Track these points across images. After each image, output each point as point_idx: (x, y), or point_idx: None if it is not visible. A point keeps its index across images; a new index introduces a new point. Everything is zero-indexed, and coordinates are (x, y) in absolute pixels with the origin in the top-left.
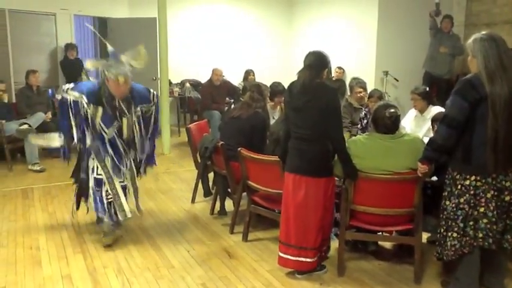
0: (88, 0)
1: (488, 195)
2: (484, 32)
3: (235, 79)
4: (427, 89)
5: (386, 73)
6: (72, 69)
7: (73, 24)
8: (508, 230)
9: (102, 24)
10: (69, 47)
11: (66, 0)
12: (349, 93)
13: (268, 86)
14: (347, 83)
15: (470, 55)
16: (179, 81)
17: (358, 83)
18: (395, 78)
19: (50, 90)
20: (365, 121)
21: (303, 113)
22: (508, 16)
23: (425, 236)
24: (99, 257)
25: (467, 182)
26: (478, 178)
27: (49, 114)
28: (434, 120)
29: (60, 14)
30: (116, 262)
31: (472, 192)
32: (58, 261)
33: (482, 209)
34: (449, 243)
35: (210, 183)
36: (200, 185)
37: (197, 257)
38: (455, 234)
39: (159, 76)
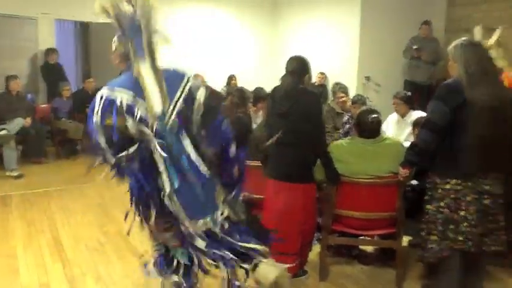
0: (70, 4)
1: (469, 199)
2: (464, 38)
3: (218, 84)
4: (409, 93)
5: (368, 78)
6: (52, 74)
7: (54, 29)
8: (488, 233)
9: (85, 29)
10: (50, 51)
11: (47, 5)
12: (331, 98)
13: (252, 91)
14: (329, 88)
15: (451, 60)
16: None
17: (341, 88)
18: (377, 84)
19: (29, 95)
20: (347, 126)
21: (286, 119)
22: (488, 22)
23: (407, 239)
24: (78, 265)
25: (448, 186)
26: (459, 182)
27: (28, 120)
28: (415, 124)
29: (41, 18)
30: (95, 269)
31: (452, 195)
32: (36, 269)
33: (462, 213)
34: (430, 247)
35: None
36: None
37: None
38: (435, 238)
39: None
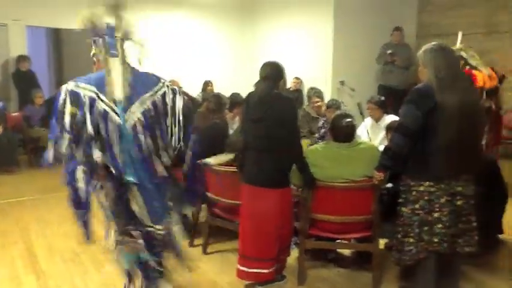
0: (41, 11)
1: (442, 201)
2: (434, 43)
3: (194, 90)
4: (383, 98)
5: (342, 83)
6: (24, 82)
7: (26, 35)
8: (461, 234)
9: (56, 36)
10: (21, 58)
11: (18, 11)
12: (306, 103)
13: (228, 96)
14: (305, 93)
15: (421, 65)
16: None
17: (315, 93)
18: (351, 88)
19: (0, 103)
20: (323, 130)
21: (261, 124)
22: (457, 27)
23: (383, 242)
24: (53, 276)
25: (422, 188)
26: (432, 184)
27: (0, 128)
28: (388, 128)
29: (12, 24)
30: (71, 280)
31: (426, 197)
32: (9, 282)
33: (436, 214)
34: (406, 249)
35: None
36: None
37: None
38: (411, 240)
39: None
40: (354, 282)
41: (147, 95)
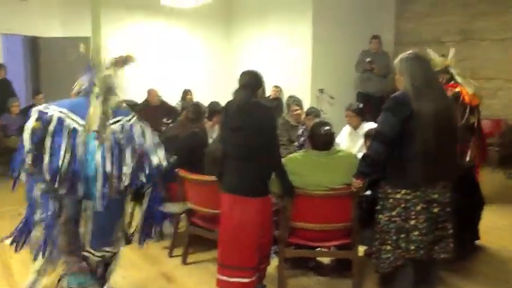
0: (18, 18)
1: (418, 208)
2: (409, 52)
3: (174, 99)
4: (361, 105)
5: (321, 91)
6: (0, 90)
7: (1, 44)
8: (437, 240)
9: (33, 44)
10: None
11: None
12: (286, 111)
13: (207, 105)
14: (284, 101)
15: (398, 73)
16: None
17: (295, 101)
18: (330, 96)
19: None
20: (302, 138)
21: (239, 133)
22: (434, 35)
23: (362, 249)
24: None
25: (399, 196)
26: (409, 191)
27: None
28: (366, 136)
29: None
30: None
31: (403, 205)
32: None
33: (413, 222)
34: (383, 256)
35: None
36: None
37: (133, 283)
38: (388, 247)
39: None
40: None
41: (117, 122)
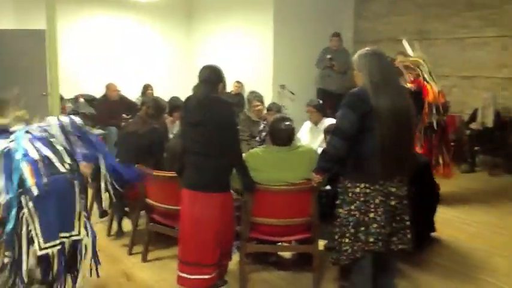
0: None
1: (377, 201)
2: (367, 48)
3: (134, 94)
4: (321, 101)
5: (283, 87)
6: None
7: None
8: (395, 232)
9: None
10: None
11: None
12: (247, 107)
13: (167, 100)
14: (245, 96)
15: (356, 69)
16: (72, 97)
17: (256, 96)
18: (291, 92)
19: None
20: (263, 134)
21: (199, 128)
22: (391, 33)
23: (323, 243)
24: None
25: (358, 190)
26: (368, 185)
27: None
28: (326, 131)
29: None
30: None
31: (362, 198)
32: None
33: (372, 215)
34: (343, 249)
35: (106, 203)
36: (95, 206)
37: (92, 281)
38: (347, 240)
39: (49, 91)
40: (295, 284)
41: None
